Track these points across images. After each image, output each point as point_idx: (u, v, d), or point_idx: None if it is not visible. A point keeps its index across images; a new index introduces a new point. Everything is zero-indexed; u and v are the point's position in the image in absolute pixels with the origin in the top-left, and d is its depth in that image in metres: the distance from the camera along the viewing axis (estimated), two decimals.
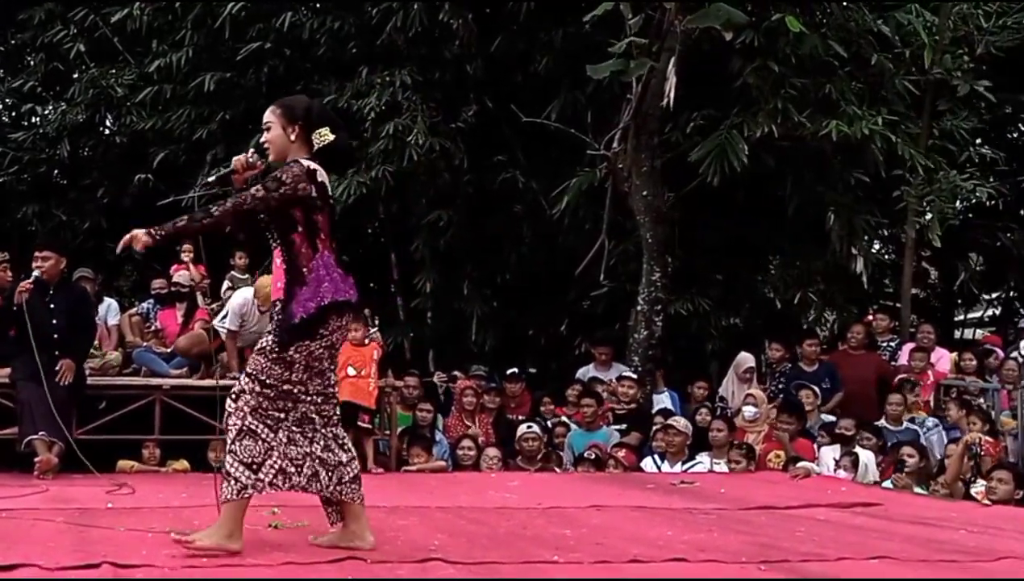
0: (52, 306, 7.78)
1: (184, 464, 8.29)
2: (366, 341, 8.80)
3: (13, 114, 15.94)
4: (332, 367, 4.55)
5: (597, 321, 12.13)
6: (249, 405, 4.32)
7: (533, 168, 12.05)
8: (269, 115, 4.46)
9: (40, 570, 4.22)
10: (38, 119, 15.22)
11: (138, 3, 12.76)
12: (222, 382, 8.44)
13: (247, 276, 10.40)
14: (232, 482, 4.32)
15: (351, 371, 8.49)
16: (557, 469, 9.02)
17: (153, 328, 9.33)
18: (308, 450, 4.43)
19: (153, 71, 12.93)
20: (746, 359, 10.44)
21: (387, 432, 8.88)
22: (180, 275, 9.86)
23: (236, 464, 4.31)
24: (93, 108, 14.01)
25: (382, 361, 8.91)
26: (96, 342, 8.84)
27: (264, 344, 4.37)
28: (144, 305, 9.89)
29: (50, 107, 15.01)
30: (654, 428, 9.25)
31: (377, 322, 10.00)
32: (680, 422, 9.04)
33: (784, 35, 10.06)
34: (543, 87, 11.84)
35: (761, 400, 9.34)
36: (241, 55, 12.19)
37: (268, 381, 4.33)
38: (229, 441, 4.37)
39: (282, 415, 4.38)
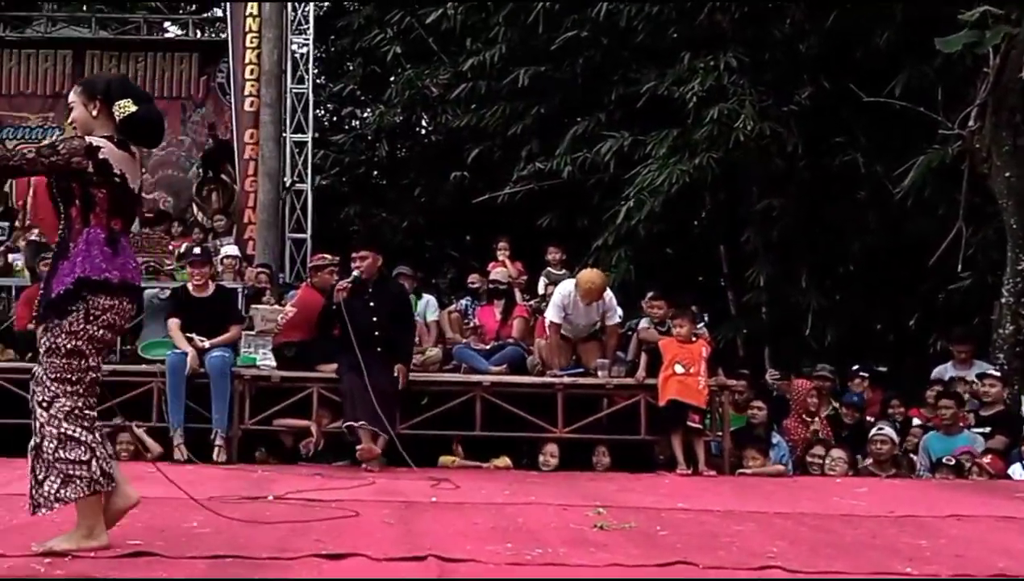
0: (372, 304, 8.27)
1: (506, 461, 8.53)
2: (693, 338, 8.69)
3: (334, 118, 17.21)
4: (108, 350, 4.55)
5: (952, 315, 11.37)
6: (63, 411, 4.29)
7: (876, 150, 11.48)
8: (71, 95, 4.49)
9: (368, 560, 4.44)
10: (357, 122, 16.29)
11: (451, 3, 13.30)
12: (542, 378, 8.80)
13: (563, 271, 10.60)
14: (78, 481, 4.30)
15: (679, 369, 8.42)
16: (909, 475, 8.53)
17: (472, 325, 9.67)
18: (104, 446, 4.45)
19: (467, 69, 13.43)
20: None
21: (719, 433, 8.75)
22: (498, 272, 10.18)
23: (71, 466, 4.29)
24: (409, 109, 14.86)
25: (712, 358, 8.77)
26: (416, 339, 9.30)
27: (49, 344, 4.30)
28: (462, 302, 10.27)
29: (368, 110, 16.03)
30: None
31: (706, 318, 9.87)
32: None
33: None
34: (885, 63, 11.25)
35: None
36: (556, 45, 12.41)
37: (73, 378, 4.30)
38: (50, 453, 4.30)
39: (95, 414, 4.39)
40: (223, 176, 13.21)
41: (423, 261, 13.87)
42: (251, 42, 12.79)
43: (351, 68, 16.24)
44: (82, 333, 4.24)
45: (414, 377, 8.61)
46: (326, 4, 16.11)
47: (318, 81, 15.98)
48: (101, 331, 4.29)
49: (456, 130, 13.87)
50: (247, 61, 12.83)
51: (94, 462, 4.31)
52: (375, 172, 15.70)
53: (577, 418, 8.63)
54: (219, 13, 16.39)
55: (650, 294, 9.40)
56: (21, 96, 15.12)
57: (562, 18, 12.47)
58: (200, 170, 13.88)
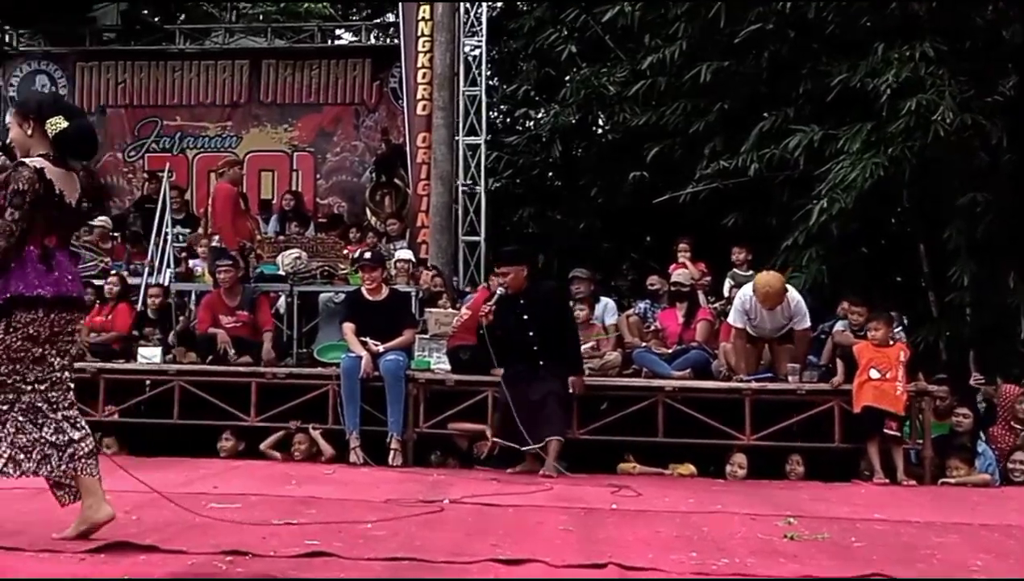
0: (525, 317, 8.26)
1: (690, 468, 8.44)
2: (890, 341, 8.41)
3: (507, 120, 17.37)
4: (53, 353, 4.77)
5: None
6: None
7: None
8: (8, 117, 4.86)
9: (547, 566, 4.46)
10: (531, 123, 16.39)
11: (628, 0, 13.25)
12: (728, 383, 8.65)
13: (750, 272, 10.40)
14: None
15: (874, 374, 8.18)
16: None
17: (653, 328, 9.59)
18: (37, 435, 4.71)
19: (646, 66, 13.34)
20: None
21: (919, 441, 8.43)
22: (679, 274, 10.07)
23: None
24: (585, 108, 14.83)
25: (911, 362, 8.46)
26: (594, 343, 9.28)
27: None
28: (641, 305, 10.20)
29: (543, 110, 16.12)
30: None
31: (905, 320, 9.51)
32: None
33: None
34: None
35: None
36: (739, 40, 12.22)
37: None
38: None
39: (5, 407, 4.69)
40: (396, 180, 13.47)
41: (601, 263, 13.80)
42: (423, 46, 13.02)
43: (524, 69, 16.36)
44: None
45: (593, 382, 8.60)
46: (499, 5, 16.27)
47: (491, 83, 16.15)
48: (19, 342, 4.65)
49: (634, 129, 13.76)
50: (419, 65, 13.08)
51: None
52: (550, 173, 15.75)
53: (766, 425, 8.48)
54: (391, 18, 16.79)
55: (848, 300, 9.16)
56: (201, 106, 15.83)
57: (745, 11, 12.25)
58: (373, 175, 14.21)
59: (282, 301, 10.61)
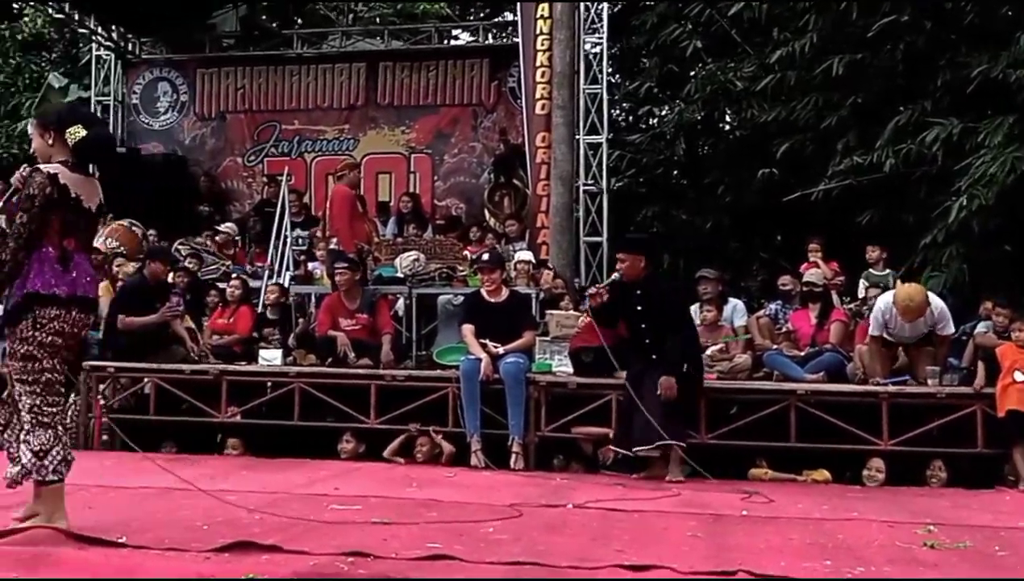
0: (639, 307, 8.17)
1: (824, 474, 8.25)
2: None
3: (630, 118, 17.31)
4: (66, 354, 5.04)
5: None
6: (26, 407, 4.94)
7: None
8: (30, 128, 5.22)
9: (674, 573, 4.44)
10: (655, 120, 16.30)
11: None
12: (864, 387, 8.45)
13: (886, 272, 10.18)
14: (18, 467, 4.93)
15: (1019, 377, 7.91)
16: None
17: (784, 330, 9.44)
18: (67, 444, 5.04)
19: (774, 61, 13.18)
20: None
21: None
22: (812, 274, 9.89)
23: (26, 452, 4.91)
24: (711, 104, 14.73)
25: None
26: (723, 346, 9.17)
27: (8, 350, 4.99)
28: (772, 306, 10.05)
29: (666, 107, 16.03)
30: None
31: None
32: None
33: None
34: None
35: None
36: (872, 32, 11.97)
37: (30, 379, 4.92)
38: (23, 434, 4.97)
39: (56, 409, 4.98)
40: (515, 181, 13.53)
41: (729, 263, 13.68)
42: (542, 44, 13.03)
43: (647, 65, 16.29)
44: (32, 339, 4.90)
45: (722, 385, 8.50)
46: (621, 1, 16.25)
47: (612, 80, 16.13)
48: (50, 338, 4.92)
49: (763, 125, 13.62)
50: (538, 64, 13.09)
51: (51, 455, 4.91)
52: (674, 172, 15.69)
53: (904, 430, 8.25)
54: (509, 17, 16.88)
55: (992, 301, 8.91)
56: (318, 110, 16.14)
57: (879, 3, 11.99)
58: (492, 176, 14.30)
59: (400, 303, 10.73)
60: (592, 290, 8.46)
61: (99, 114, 16.22)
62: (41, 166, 4.98)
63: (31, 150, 5.35)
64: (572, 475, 8.29)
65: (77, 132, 4.98)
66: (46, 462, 4.91)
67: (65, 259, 4.96)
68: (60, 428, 4.99)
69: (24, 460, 4.93)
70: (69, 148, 5.00)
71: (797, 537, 5.40)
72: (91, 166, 5.08)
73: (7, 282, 4.99)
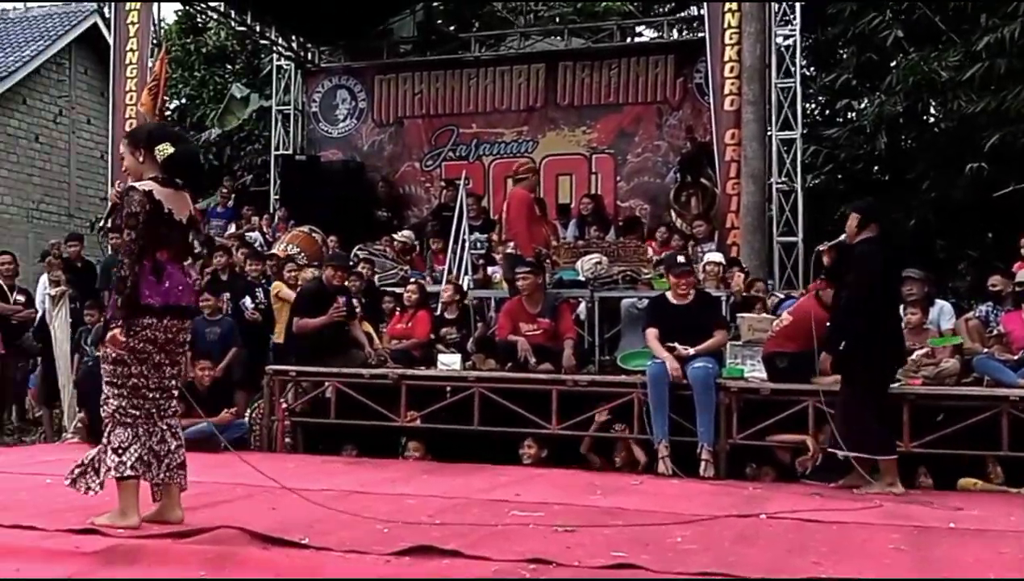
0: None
1: None
2: None
3: (825, 111, 16.97)
4: (166, 361, 5.46)
5: None
6: (111, 407, 5.40)
7: None
8: (121, 147, 5.66)
9: None
10: (853, 114, 15.93)
11: None
12: None
13: None
14: (114, 465, 5.32)
15: None
16: None
17: (996, 333, 9.09)
18: (145, 441, 5.41)
19: (982, 48, 12.76)
20: None
21: None
22: None
23: (112, 452, 5.34)
24: (914, 96, 14.33)
25: None
26: (928, 349, 8.87)
27: (102, 354, 5.51)
28: (982, 307, 9.71)
29: (865, 100, 15.66)
30: None
31: None
32: None
33: None
34: None
35: None
36: None
37: (118, 382, 5.39)
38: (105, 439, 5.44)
39: (137, 413, 5.38)
40: (703, 180, 13.41)
41: (935, 263, 13.21)
42: (731, 38, 12.86)
43: (844, 57, 15.95)
44: (123, 345, 5.33)
45: (927, 390, 8.24)
46: None
47: (806, 73, 15.85)
48: (141, 344, 5.35)
49: (970, 116, 13.20)
50: (727, 58, 12.92)
51: (130, 451, 5.34)
52: (875, 167, 15.31)
53: None
54: (695, 12, 16.75)
55: None
56: (496, 112, 16.40)
57: None
58: (678, 175, 14.21)
59: (582, 307, 10.74)
60: (821, 247, 8.28)
61: (279, 123, 16.95)
62: (135, 184, 5.43)
63: (123, 168, 5.87)
64: (766, 484, 8.15)
65: (165, 149, 5.39)
66: (124, 458, 5.33)
67: (159, 271, 5.40)
68: (141, 429, 5.41)
69: (106, 459, 5.37)
70: (158, 164, 5.43)
71: (1009, 551, 5.22)
72: (179, 181, 5.50)
73: (132, 297, 5.39)
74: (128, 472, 5.31)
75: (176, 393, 5.62)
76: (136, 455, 5.35)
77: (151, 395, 5.46)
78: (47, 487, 6.88)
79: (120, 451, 5.34)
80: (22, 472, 7.63)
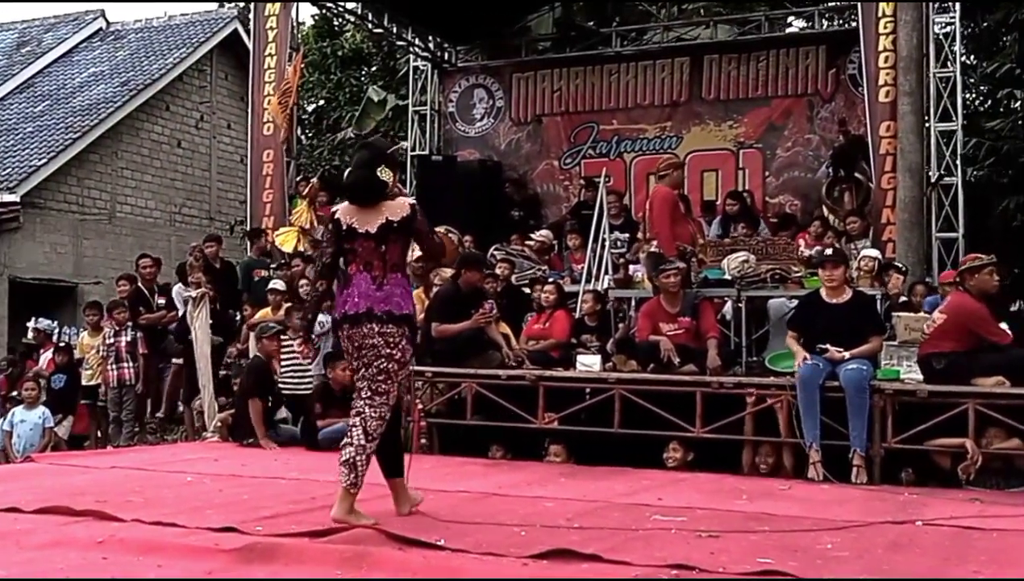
0: None
1: None
2: None
3: (988, 102, 16.47)
4: (365, 366, 5.90)
5: None
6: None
7: None
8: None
9: None
10: (1017, 104, 15.44)
11: None
12: None
13: None
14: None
15: None
16: None
17: None
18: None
19: None
20: None
21: None
22: None
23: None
24: None
25: None
26: None
27: None
28: None
29: None
30: None
31: None
32: None
33: None
34: None
35: None
36: None
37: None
38: None
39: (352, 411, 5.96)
40: (856, 174, 13.10)
41: None
42: (885, 27, 12.58)
43: (1006, 43, 15.47)
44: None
45: None
46: None
47: (966, 62, 15.41)
48: (342, 350, 6.33)
49: None
50: (881, 48, 12.64)
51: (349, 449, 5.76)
52: None
53: None
54: (847, 1, 16.43)
55: None
56: (638, 108, 16.34)
57: None
58: (830, 169, 13.90)
59: (728, 307, 10.61)
60: None
61: (416, 123, 17.20)
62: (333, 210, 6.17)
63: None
64: (922, 490, 7.88)
65: (345, 177, 6.21)
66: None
67: (346, 283, 5.98)
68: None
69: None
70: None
71: None
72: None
73: (315, 306, 6.44)
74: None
75: (383, 389, 5.89)
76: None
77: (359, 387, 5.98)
78: (188, 484, 7.12)
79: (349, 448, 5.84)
80: (164, 470, 7.89)
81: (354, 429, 5.76)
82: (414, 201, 6.16)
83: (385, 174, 5.96)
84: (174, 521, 5.44)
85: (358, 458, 5.66)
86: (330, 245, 6.03)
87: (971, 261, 8.68)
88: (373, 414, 5.79)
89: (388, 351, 5.86)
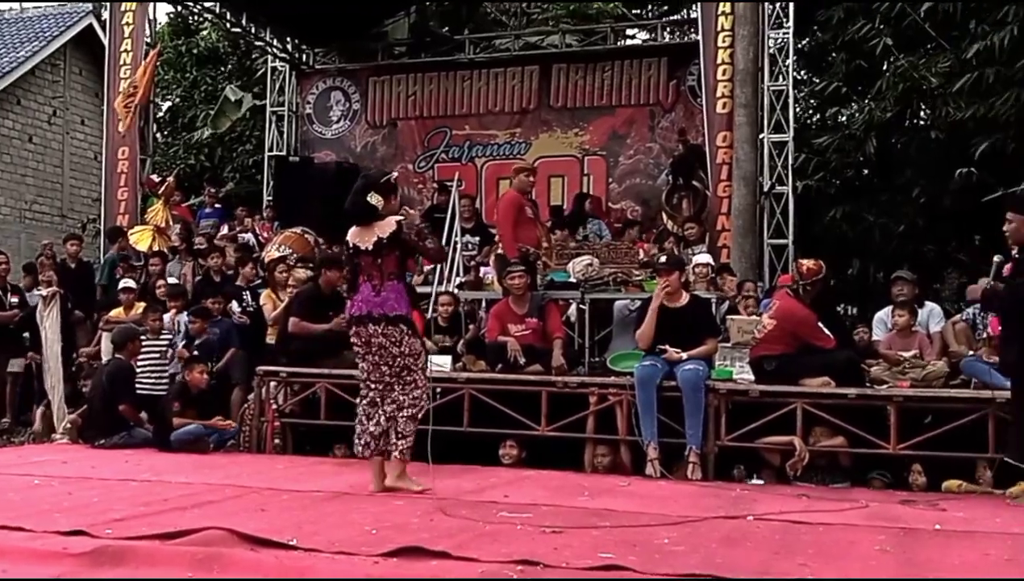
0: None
1: None
2: None
3: (816, 116, 16.97)
4: (375, 360, 7.02)
5: None
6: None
7: None
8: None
9: None
10: (844, 119, 15.94)
11: None
12: None
13: None
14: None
15: None
16: None
17: (984, 336, 9.08)
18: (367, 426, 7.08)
19: (971, 56, 12.78)
20: None
21: None
22: None
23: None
24: (904, 102, 14.36)
25: None
26: (917, 351, 8.89)
27: None
28: (970, 310, 9.68)
29: (855, 105, 15.67)
30: None
31: None
32: None
33: None
34: None
35: None
36: None
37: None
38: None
39: (357, 400, 7.29)
40: (694, 182, 13.41)
41: (923, 266, 13.20)
42: (723, 41, 12.88)
43: (834, 61, 15.97)
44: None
45: (914, 393, 8.26)
46: None
47: (798, 77, 15.84)
48: (354, 349, 7.17)
49: (960, 122, 13.20)
50: (719, 61, 12.94)
51: (357, 431, 7.12)
52: (864, 172, 15.30)
53: None
54: (688, 15, 16.77)
55: None
56: (490, 114, 16.45)
57: None
58: (669, 177, 14.21)
59: (573, 309, 10.74)
60: (998, 258, 8.12)
61: (273, 124, 16.97)
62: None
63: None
64: (753, 487, 8.12)
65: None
66: (355, 438, 7.14)
67: (355, 290, 7.09)
68: (360, 411, 7.13)
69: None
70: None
71: (995, 552, 5.20)
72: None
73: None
74: (358, 450, 7.10)
75: (390, 382, 6.99)
76: (363, 442, 7.02)
77: (369, 382, 7.07)
78: (35, 487, 6.89)
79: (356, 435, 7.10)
80: (11, 473, 7.60)
81: (385, 410, 6.98)
82: (400, 218, 7.11)
83: (375, 199, 6.90)
84: (21, 525, 5.22)
85: (406, 429, 6.94)
86: (347, 262, 7.41)
87: (814, 271, 8.85)
88: (407, 400, 6.94)
89: (398, 350, 6.93)
